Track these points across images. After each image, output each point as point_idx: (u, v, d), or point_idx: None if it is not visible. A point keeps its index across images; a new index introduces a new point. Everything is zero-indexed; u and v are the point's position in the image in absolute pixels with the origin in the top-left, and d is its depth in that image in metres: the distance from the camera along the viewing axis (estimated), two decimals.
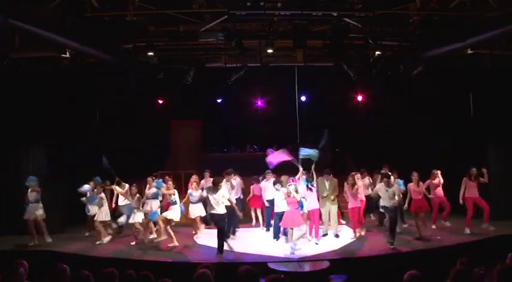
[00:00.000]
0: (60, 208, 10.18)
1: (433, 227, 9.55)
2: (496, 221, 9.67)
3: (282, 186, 8.52)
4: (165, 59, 10.27)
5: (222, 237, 7.92)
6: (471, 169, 9.13)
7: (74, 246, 8.74)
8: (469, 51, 9.02)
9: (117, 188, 9.38)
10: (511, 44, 9.06)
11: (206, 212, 9.00)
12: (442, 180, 9.42)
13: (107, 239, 9.04)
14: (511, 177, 10.47)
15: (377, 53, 10.12)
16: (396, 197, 8.17)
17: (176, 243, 8.39)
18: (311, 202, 8.68)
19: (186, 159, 14.00)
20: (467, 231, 8.89)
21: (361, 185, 9.45)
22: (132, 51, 9.80)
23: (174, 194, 8.74)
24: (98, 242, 8.91)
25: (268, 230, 9.73)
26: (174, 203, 8.68)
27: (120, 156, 11.76)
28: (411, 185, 9.01)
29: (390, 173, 9.11)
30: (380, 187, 8.38)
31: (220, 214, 7.92)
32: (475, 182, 9.08)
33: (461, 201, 9.08)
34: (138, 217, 8.84)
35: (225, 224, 8.18)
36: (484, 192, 9.35)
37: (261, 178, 10.12)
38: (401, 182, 9.21)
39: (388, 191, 8.17)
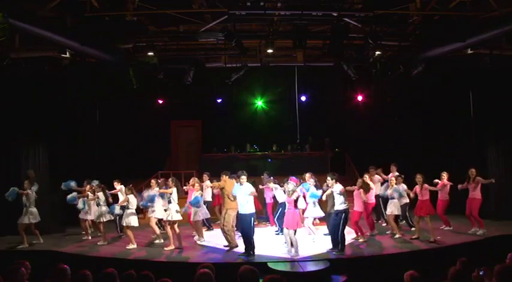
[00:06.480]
0: (60, 208, 10.19)
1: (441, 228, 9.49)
2: (496, 221, 9.68)
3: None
4: (165, 59, 10.27)
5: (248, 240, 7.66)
6: (469, 170, 9.04)
7: (74, 246, 8.74)
8: (469, 51, 9.01)
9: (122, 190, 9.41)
10: (511, 44, 9.06)
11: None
12: (448, 183, 9.29)
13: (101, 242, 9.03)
14: (511, 177, 10.47)
15: (377, 53, 10.11)
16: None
17: (173, 246, 8.39)
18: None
19: (186, 159, 14.04)
20: (480, 232, 8.77)
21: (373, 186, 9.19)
22: (132, 51, 9.80)
23: (171, 193, 8.75)
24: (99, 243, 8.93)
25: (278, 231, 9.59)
26: (170, 202, 8.68)
27: (120, 156, 11.80)
28: (416, 188, 8.65)
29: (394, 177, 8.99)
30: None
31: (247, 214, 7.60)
32: (474, 184, 8.98)
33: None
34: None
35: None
36: (484, 192, 9.31)
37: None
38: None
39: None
